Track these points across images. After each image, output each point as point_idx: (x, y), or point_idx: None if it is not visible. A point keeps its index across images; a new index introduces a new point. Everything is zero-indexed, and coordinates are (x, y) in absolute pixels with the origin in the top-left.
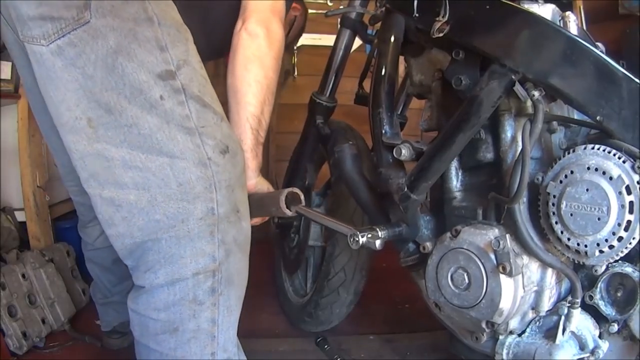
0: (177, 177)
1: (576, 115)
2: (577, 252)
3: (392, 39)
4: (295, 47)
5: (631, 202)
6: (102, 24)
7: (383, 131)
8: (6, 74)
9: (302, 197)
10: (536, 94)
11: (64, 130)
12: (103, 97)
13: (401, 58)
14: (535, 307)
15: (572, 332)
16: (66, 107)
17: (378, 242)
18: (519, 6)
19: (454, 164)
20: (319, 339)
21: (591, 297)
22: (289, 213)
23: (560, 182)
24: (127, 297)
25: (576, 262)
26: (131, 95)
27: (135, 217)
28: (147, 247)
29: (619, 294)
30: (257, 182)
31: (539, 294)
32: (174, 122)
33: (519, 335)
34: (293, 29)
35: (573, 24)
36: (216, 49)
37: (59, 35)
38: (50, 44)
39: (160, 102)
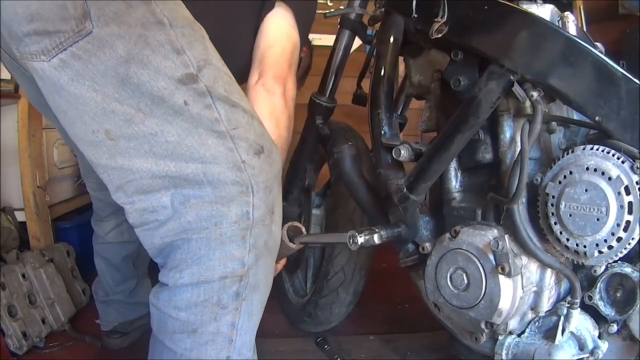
0: (211, 182)
1: (575, 115)
2: (576, 252)
3: (391, 39)
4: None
5: (630, 203)
6: (107, 33)
7: (382, 132)
8: (6, 74)
9: (303, 229)
10: (535, 94)
11: (83, 144)
12: (120, 108)
13: (400, 59)
14: (534, 307)
15: (572, 333)
16: (81, 122)
17: (376, 236)
18: (517, 7)
19: (453, 165)
20: (319, 339)
21: (590, 298)
22: (294, 247)
23: (559, 182)
24: (130, 296)
25: (575, 262)
26: (152, 104)
27: (169, 219)
28: (177, 246)
29: (618, 295)
30: None
31: (538, 294)
32: (203, 127)
33: (518, 335)
34: (300, 68)
35: (572, 24)
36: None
37: (59, 49)
38: (52, 58)
39: (185, 107)
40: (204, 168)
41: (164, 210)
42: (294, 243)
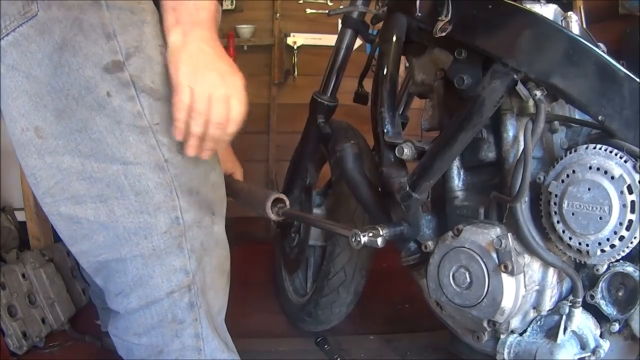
0: (133, 187)
1: (577, 115)
2: (579, 251)
3: (394, 38)
4: (295, 47)
5: (632, 202)
6: (49, 17)
7: (385, 130)
8: None
9: (287, 201)
10: (538, 93)
11: (14, 144)
12: (51, 101)
13: (403, 58)
14: (536, 306)
15: (574, 332)
16: (10, 119)
17: (380, 240)
18: (521, 6)
19: (456, 163)
20: (319, 339)
21: (592, 297)
22: (274, 218)
23: (562, 181)
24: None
25: (578, 261)
26: (79, 96)
27: (95, 233)
28: (113, 268)
29: (620, 294)
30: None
31: (540, 293)
32: (125, 122)
33: (520, 334)
34: None
35: (575, 24)
36: None
37: (3, 34)
38: (11, 45)
39: (108, 99)
40: (125, 170)
41: (89, 224)
42: (274, 214)
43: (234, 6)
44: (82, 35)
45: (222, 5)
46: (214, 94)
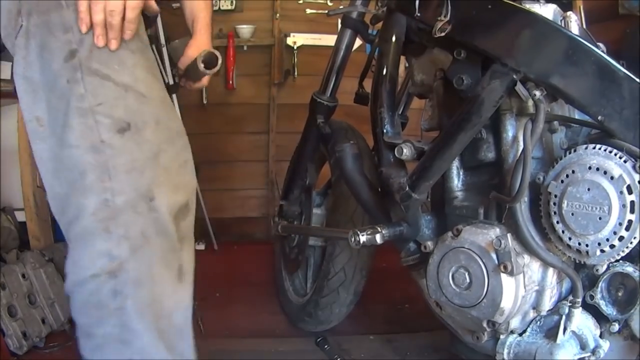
0: (75, 170)
1: (577, 115)
2: (579, 251)
3: (394, 38)
4: (295, 48)
5: (632, 202)
6: (32, 24)
7: (384, 130)
8: (6, 74)
9: (219, 57)
10: (537, 93)
11: (27, 133)
12: (43, 95)
13: (402, 58)
14: (536, 306)
15: (573, 332)
16: (23, 112)
17: (378, 236)
18: (520, 6)
19: (455, 164)
20: (319, 339)
21: (592, 297)
22: (208, 72)
23: (562, 181)
24: None
25: (577, 261)
26: (54, 87)
27: (59, 218)
28: (68, 248)
29: (619, 294)
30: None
31: (540, 293)
32: (72, 105)
33: (520, 334)
34: None
35: (574, 24)
36: None
37: (13, 47)
38: (15, 55)
39: (67, 86)
40: (70, 153)
41: (54, 207)
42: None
43: (233, 6)
44: (51, 34)
45: (222, 5)
46: None
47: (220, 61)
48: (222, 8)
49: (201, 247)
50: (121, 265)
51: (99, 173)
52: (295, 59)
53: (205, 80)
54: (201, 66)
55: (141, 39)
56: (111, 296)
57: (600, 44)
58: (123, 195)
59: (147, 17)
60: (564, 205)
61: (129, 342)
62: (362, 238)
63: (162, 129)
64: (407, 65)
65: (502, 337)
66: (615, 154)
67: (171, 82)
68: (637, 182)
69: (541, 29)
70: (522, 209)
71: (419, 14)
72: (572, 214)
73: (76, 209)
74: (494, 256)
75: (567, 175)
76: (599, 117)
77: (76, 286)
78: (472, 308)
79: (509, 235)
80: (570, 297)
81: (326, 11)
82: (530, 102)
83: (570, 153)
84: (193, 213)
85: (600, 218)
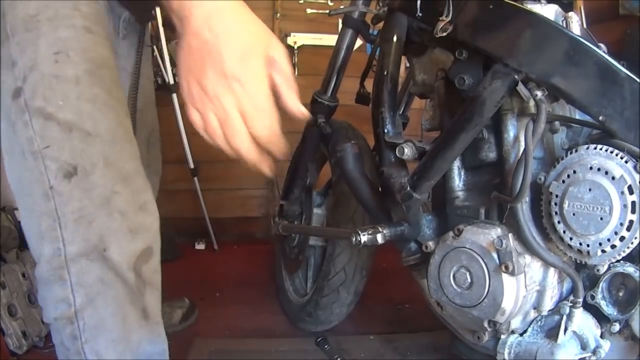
0: (34, 214)
1: (578, 115)
2: (580, 251)
3: (395, 38)
4: (296, 47)
5: (633, 202)
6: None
7: (385, 130)
8: None
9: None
10: (539, 93)
11: None
12: (5, 129)
13: (403, 58)
14: (537, 306)
15: (574, 332)
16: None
17: (379, 236)
18: (522, 6)
19: (457, 164)
20: (319, 339)
21: (593, 297)
22: None
23: (563, 181)
24: None
25: (578, 261)
26: (7, 125)
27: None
28: None
29: (620, 294)
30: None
31: (541, 293)
32: (25, 150)
33: (521, 334)
34: None
35: (576, 24)
36: None
37: None
38: None
39: (19, 128)
40: (26, 201)
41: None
42: None
43: None
44: (2, 69)
45: None
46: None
47: None
48: None
49: (201, 247)
50: (77, 313)
51: (51, 222)
52: (296, 59)
53: None
54: None
55: (98, 53)
56: (71, 340)
57: (601, 45)
58: (74, 245)
59: (141, 17)
60: (565, 205)
61: None
62: (364, 238)
63: (113, 170)
64: (408, 65)
65: (503, 337)
66: (617, 155)
67: (171, 81)
68: (638, 183)
69: (543, 30)
70: (524, 209)
71: (420, 14)
72: (573, 214)
73: (36, 253)
74: (495, 256)
75: (568, 176)
76: (600, 118)
77: (47, 323)
78: (473, 308)
79: (510, 235)
80: (571, 297)
81: (327, 11)
82: (532, 103)
83: (571, 153)
84: (158, 255)
85: (601, 218)
